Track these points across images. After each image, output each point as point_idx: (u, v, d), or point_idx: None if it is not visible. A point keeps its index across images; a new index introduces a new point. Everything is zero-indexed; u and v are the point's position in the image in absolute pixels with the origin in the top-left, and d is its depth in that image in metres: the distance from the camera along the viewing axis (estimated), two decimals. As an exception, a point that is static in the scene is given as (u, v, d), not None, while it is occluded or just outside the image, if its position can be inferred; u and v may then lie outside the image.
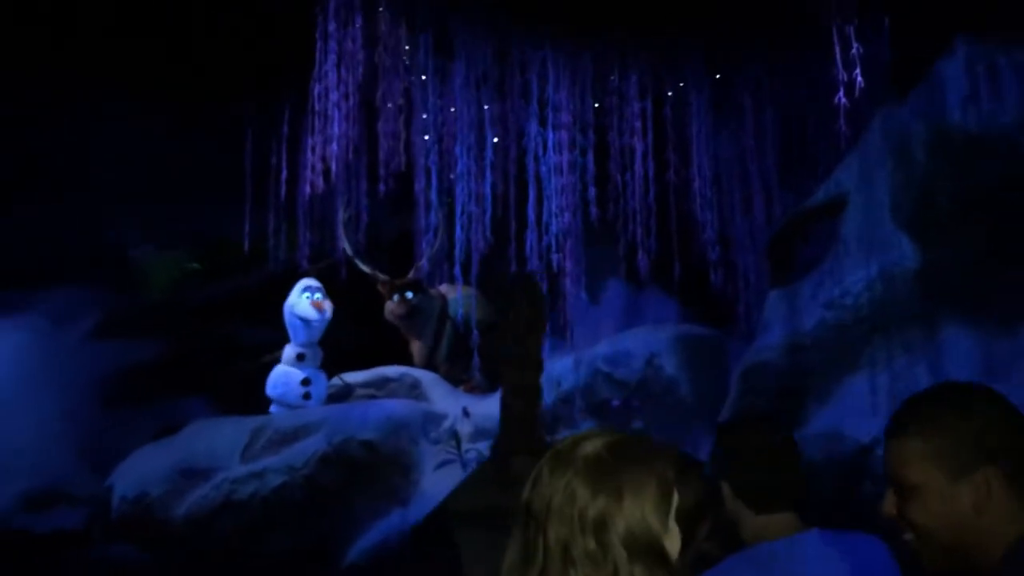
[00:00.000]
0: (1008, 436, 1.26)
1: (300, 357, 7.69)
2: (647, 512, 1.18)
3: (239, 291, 12.00)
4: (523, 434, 4.95)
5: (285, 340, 7.93)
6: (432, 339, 8.58)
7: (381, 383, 7.97)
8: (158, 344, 12.28)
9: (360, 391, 7.93)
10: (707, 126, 8.43)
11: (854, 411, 5.14)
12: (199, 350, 11.72)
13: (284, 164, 9.15)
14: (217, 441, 6.96)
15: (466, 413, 6.73)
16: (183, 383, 10.58)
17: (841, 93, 6.20)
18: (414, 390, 7.83)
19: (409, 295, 8.33)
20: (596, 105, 8.21)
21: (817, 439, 5.06)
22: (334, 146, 8.71)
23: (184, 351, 11.89)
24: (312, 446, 6.61)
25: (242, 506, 6.47)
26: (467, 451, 6.69)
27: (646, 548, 1.17)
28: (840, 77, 6.25)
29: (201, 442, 7.00)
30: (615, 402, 6.50)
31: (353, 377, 8.02)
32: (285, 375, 7.66)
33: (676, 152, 8.27)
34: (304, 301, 7.62)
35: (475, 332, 7.44)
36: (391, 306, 8.41)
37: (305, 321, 7.59)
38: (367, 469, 6.50)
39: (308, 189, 8.79)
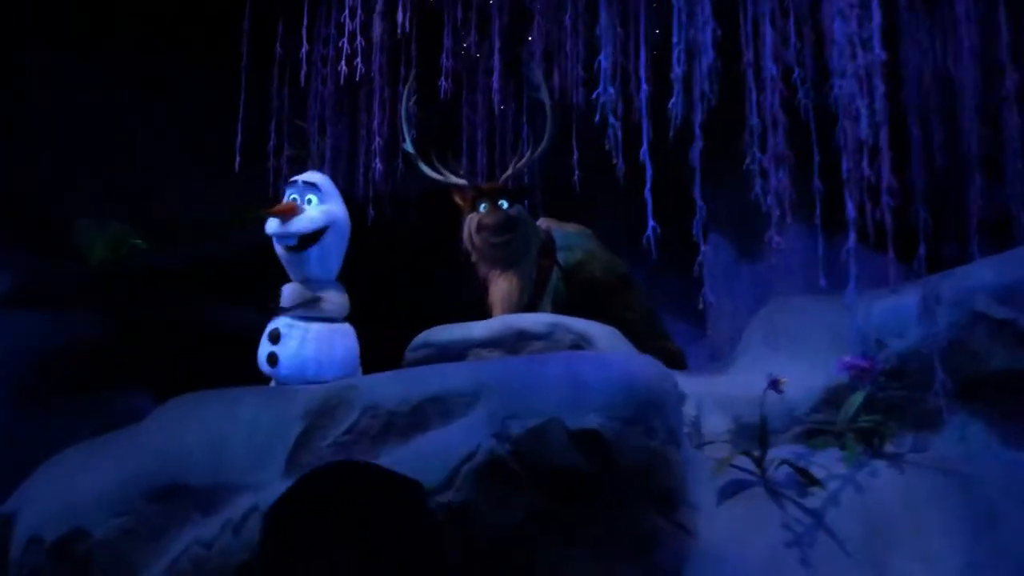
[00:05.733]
0: None
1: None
2: None
3: (214, 258, 8.74)
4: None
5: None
6: (530, 281, 5.16)
7: (512, 341, 4.34)
8: (96, 321, 8.86)
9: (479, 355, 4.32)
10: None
11: None
12: (154, 330, 8.35)
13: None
14: (231, 431, 3.29)
15: (777, 386, 3.19)
16: (130, 371, 7.29)
17: None
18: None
19: (503, 204, 5.01)
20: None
21: None
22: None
23: (134, 331, 8.50)
24: (456, 442, 2.95)
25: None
26: (776, 464, 3.20)
27: None
28: None
29: (195, 434, 3.31)
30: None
31: (456, 333, 4.44)
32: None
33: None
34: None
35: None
36: (478, 218, 5.06)
37: (280, 244, 4.11)
38: (583, 494, 2.91)
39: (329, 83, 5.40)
